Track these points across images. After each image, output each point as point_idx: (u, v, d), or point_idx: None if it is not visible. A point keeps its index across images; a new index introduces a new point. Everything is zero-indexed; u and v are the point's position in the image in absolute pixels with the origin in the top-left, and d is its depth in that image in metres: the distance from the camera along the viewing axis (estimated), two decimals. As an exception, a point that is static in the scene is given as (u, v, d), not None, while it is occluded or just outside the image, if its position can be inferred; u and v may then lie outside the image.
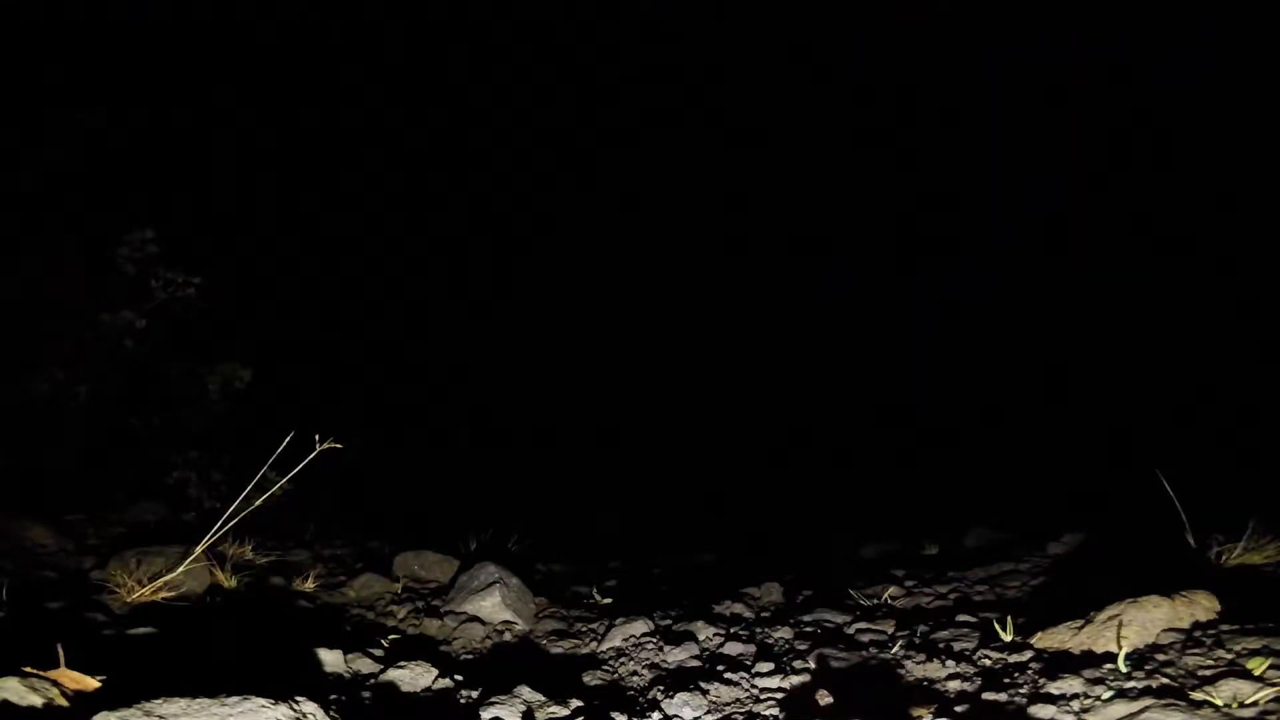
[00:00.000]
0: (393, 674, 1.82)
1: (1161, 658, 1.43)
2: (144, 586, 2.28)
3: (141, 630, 1.91)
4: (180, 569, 2.30)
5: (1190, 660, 1.38)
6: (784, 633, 2.15)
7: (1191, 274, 7.34)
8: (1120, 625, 1.55)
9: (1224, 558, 2.11)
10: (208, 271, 4.46)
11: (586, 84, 8.94)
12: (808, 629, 2.16)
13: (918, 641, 1.91)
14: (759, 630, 2.20)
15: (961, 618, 2.01)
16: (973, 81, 9.05)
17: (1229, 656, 1.35)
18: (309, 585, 2.81)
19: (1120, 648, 1.48)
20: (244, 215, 5.58)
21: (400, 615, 2.59)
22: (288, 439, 2.40)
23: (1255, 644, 1.36)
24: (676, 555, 4.41)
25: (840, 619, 2.22)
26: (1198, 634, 1.47)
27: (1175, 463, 2.32)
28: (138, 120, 4.64)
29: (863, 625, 2.11)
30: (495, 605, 2.52)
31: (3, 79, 3.99)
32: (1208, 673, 1.31)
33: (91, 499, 3.96)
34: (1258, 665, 1.28)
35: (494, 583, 2.59)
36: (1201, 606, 1.57)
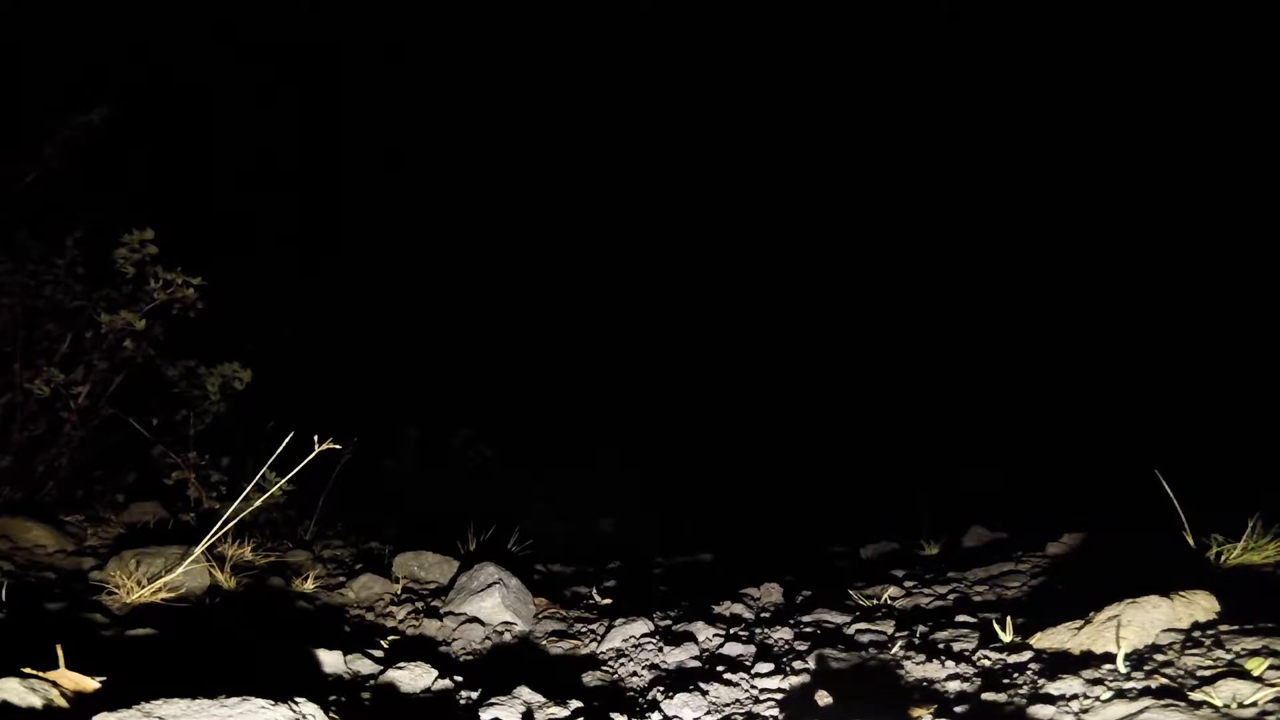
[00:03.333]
0: (392, 675, 1.82)
1: (1161, 658, 1.43)
2: (143, 587, 2.28)
3: (141, 631, 1.91)
4: (179, 570, 2.30)
5: (1189, 660, 1.38)
6: (784, 633, 2.15)
7: (1192, 270, 7.34)
8: (1119, 625, 1.55)
9: (1223, 558, 2.11)
10: (207, 271, 4.46)
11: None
12: (807, 629, 2.16)
13: (917, 642, 1.91)
14: (759, 631, 2.20)
15: (961, 618, 2.01)
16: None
17: (1228, 657, 1.35)
18: (308, 586, 2.81)
19: (1119, 648, 1.48)
20: (244, 214, 5.58)
21: (400, 616, 2.58)
22: (286, 440, 2.40)
23: (1254, 644, 1.36)
24: (676, 555, 4.41)
25: (840, 619, 2.22)
26: (1197, 634, 1.47)
27: (1175, 462, 2.32)
28: (139, 119, 4.64)
29: (862, 625, 2.12)
30: (495, 606, 2.52)
31: (2, 75, 4.00)
32: (1207, 673, 1.31)
33: (90, 499, 3.96)
34: (1257, 666, 1.28)
35: (493, 584, 2.59)
36: (1201, 607, 1.57)
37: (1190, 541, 2.19)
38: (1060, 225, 8.84)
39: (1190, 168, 7.75)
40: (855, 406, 8.88)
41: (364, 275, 7.34)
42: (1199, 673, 1.33)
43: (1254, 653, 1.33)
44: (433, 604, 2.73)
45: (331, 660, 1.86)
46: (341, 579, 3.06)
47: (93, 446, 4.18)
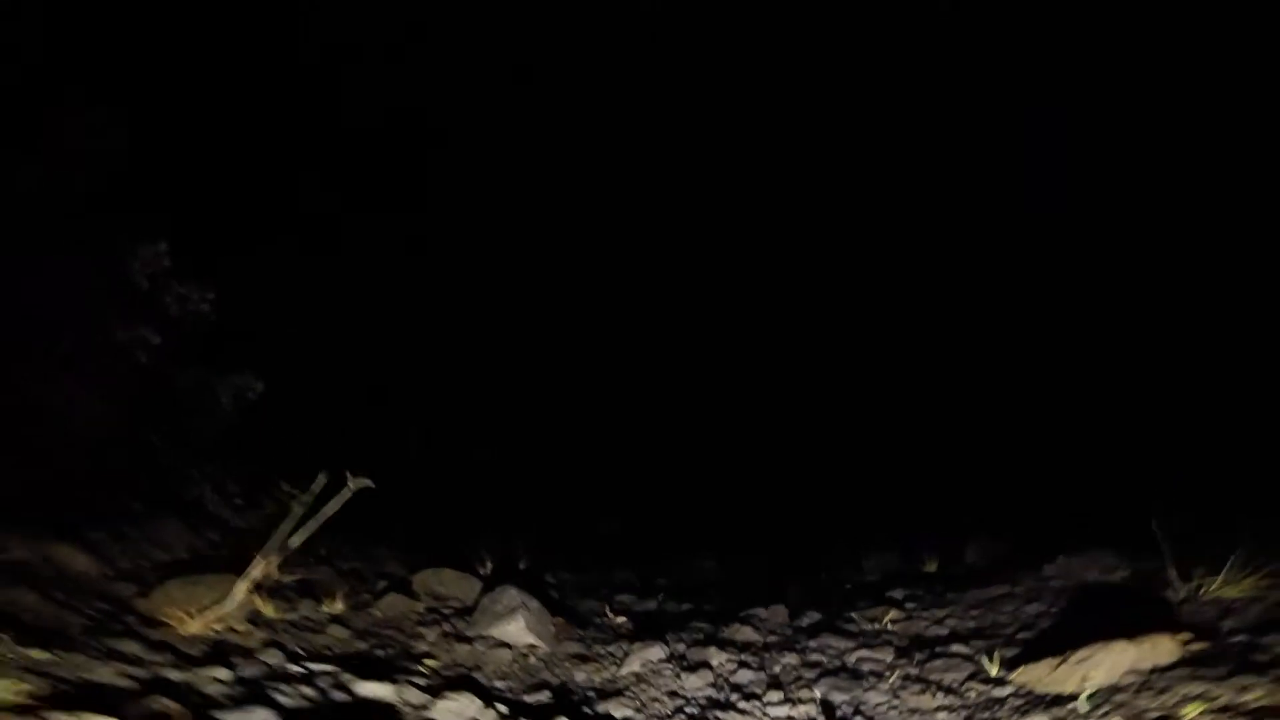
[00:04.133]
0: (441, 705, 2.01)
1: (1120, 698, 1.66)
2: (195, 619, 2.45)
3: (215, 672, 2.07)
4: (227, 607, 2.47)
5: (1140, 703, 1.61)
6: (790, 659, 2.37)
7: (1191, 285, 7.26)
8: (1090, 666, 1.78)
9: (1202, 590, 2.27)
10: (220, 284, 4.55)
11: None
12: (813, 655, 2.39)
13: (913, 673, 2.14)
14: (768, 656, 2.42)
15: (955, 648, 2.23)
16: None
17: (1172, 701, 1.58)
18: (339, 607, 2.99)
19: (1084, 688, 1.71)
20: (256, 227, 5.62)
21: (430, 639, 2.77)
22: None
23: (1197, 689, 1.59)
24: (679, 561, 4.59)
25: (843, 645, 2.44)
26: (1153, 677, 1.70)
27: (1171, 466, 2.47)
28: (154, 131, 4.66)
29: (864, 654, 2.34)
30: (520, 630, 2.72)
31: (19, 88, 4.01)
32: (1152, 716, 1.54)
33: (107, 512, 4.06)
34: (1192, 710, 1.51)
35: (516, 608, 2.79)
36: (1165, 649, 1.80)
37: (1174, 575, 2.36)
38: (1064, 227, 8.80)
39: (1191, 168, 7.62)
40: (861, 414, 8.98)
41: (365, 277, 7.40)
42: (1145, 715, 1.56)
43: (1194, 698, 1.56)
44: (458, 625, 2.91)
45: (384, 692, 2.05)
46: (367, 596, 3.23)
47: (109, 456, 4.28)
